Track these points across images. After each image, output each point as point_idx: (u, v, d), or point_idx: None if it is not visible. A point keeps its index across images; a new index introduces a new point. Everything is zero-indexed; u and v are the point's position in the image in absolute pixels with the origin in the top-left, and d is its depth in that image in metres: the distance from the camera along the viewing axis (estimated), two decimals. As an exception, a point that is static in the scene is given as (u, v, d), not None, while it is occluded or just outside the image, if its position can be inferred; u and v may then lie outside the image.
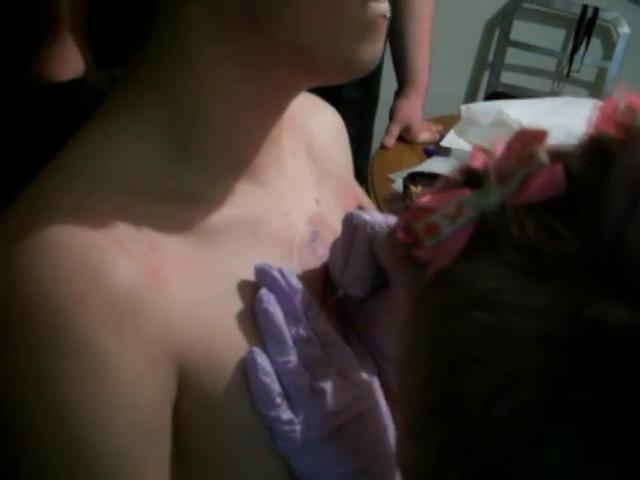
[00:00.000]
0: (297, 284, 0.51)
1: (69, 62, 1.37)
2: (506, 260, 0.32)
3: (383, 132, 1.69)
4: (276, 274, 0.51)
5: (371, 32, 0.49)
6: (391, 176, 1.48)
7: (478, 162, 0.36)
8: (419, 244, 0.36)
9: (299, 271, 0.55)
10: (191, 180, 0.50)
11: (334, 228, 0.59)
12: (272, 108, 0.53)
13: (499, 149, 0.36)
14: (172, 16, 0.48)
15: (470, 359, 0.33)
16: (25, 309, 0.43)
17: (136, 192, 0.48)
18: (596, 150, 0.34)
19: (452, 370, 0.34)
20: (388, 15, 0.50)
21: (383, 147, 1.65)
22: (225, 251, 0.51)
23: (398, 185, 1.41)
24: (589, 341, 0.30)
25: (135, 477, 0.45)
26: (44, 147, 0.51)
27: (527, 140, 0.35)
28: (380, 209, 1.40)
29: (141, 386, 0.45)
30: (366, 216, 0.54)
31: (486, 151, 0.37)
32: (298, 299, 0.51)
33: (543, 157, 0.34)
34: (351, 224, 0.54)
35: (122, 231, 0.46)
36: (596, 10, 2.63)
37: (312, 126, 0.66)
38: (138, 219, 0.47)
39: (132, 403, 0.45)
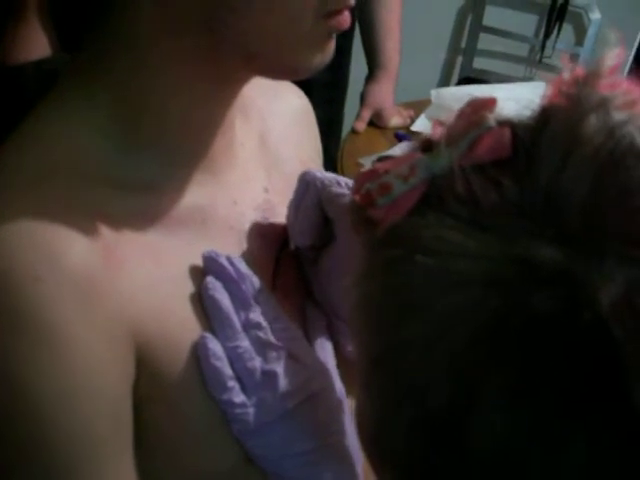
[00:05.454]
0: (245, 270, 0.52)
1: (36, 45, 1.36)
2: (450, 212, 0.35)
3: (354, 117, 1.70)
4: (223, 261, 0.52)
5: (321, 46, 0.50)
6: (361, 160, 1.49)
7: (436, 132, 0.39)
8: (373, 204, 0.38)
9: (249, 257, 0.56)
10: (142, 168, 0.51)
11: (283, 215, 0.60)
12: (223, 97, 0.54)
13: (451, 120, 0.38)
14: (125, 6, 0.47)
15: (415, 305, 0.35)
16: None
17: (87, 178, 0.48)
18: (539, 115, 0.36)
19: (399, 317, 0.36)
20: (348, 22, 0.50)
21: (354, 132, 1.66)
22: (177, 238, 0.52)
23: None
24: (521, 279, 0.32)
25: (103, 452, 0.46)
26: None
27: (477, 107, 0.38)
28: (350, 193, 1.40)
29: (103, 362, 0.45)
30: (317, 172, 0.57)
31: (442, 123, 0.39)
32: (247, 285, 0.52)
33: (491, 121, 0.36)
34: (303, 180, 0.57)
35: (76, 212, 0.46)
36: (567, -4, 2.65)
37: (271, 110, 0.66)
38: (90, 202, 0.47)
39: (95, 379, 0.45)
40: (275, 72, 0.52)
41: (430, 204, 0.36)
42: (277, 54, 0.49)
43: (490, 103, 0.38)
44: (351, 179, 0.57)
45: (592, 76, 0.36)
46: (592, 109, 0.35)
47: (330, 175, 0.57)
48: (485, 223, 0.34)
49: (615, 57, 0.37)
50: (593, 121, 0.34)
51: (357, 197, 0.40)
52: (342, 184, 0.56)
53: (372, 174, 0.39)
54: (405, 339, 0.36)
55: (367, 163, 1.46)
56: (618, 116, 0.34)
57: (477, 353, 0.33)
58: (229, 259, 0.52)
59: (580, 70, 0.37)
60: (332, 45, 0.51)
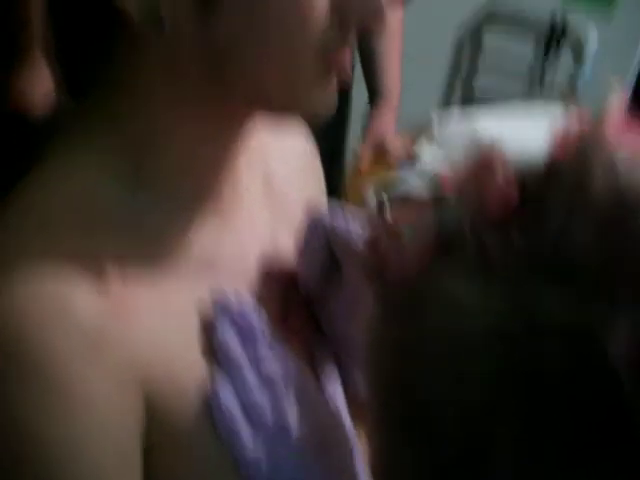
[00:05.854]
0: (254, 311, 0.52)
1: (41, 82, 1.38)
2: (460, 266, 0.36)
3: (357, 142, 1.70)
4: (232, 303, 0.52)
5: (323, 88, 0.50)
6: (365, 192, 1.49)
7: (448, 181, 0.40)
8: (384, 257, 0.40)
9: (257, 299, 0.56)
10: (148, 211, 0.51)
11: (290, 255, 0.61)
12: (226, 140, 0.54)
13: (463, 167, 0.40)
14: (129, 52, 0.48)
15: (425, 356, 0.37)
16: None
17: (93, 221, 0.49)
18: (547, 168, 0.37)
19: (410, 367, 0.38)
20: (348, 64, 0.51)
21: (357, 160, 1.66)
22: (185, 282, 0.52)
23: (371, 200, 1.42)
24: (528, 332, 0.33)
25: None
26: (6, 180, 0.51)
27: (485, 159, 0.39)
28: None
29: (111, 409, 0.46)
30: (324, 213, 0.58)
31: (454, 171, 0.40)
32: (256, 327, 0.52)
33: (499, 175, 0.37)
34: (311, 219, 0.58)
35: (83, 258, 0.47)
36: (564, 16, 2.67)
37: (273, 152, 0.66)
38: (98, 247, 0.48)
39: (104, 425, 0.45)
40: (278, 115, 0.53)
41: (441, 258, 0.37)
42: (279, 97, 0.50)
43: (498, 154, 0.39)
44: (356, 211, 0.59)
45: (597, 127, 0.37)
46: (598, 162, 0.36)
47: (338, 214, 0.58)
48: (493, 277, 0.35)
49: (618, 105, 0.38)
50: (599, 174, 0.35)
51: (368, 248, 0.41)
52: (350, 223, 0.57)
53: (384, 227, 0.41)
54: (417, 392, 0.37)
55: (370, 194, 1.46)
56: (624, 168, 0.35)
57: (484, 406, 0.34)
58: (238, 301, 0.52)
59: (584, 118, 0.38)
60: (334, 87, 0.51)
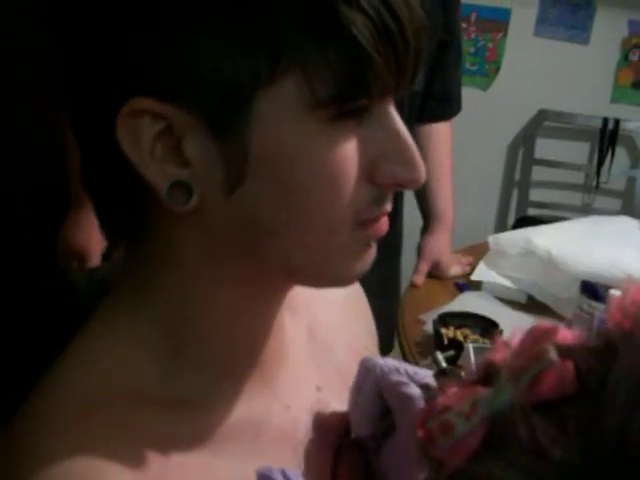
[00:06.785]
0: None
1: (94, 230, 1.43)
2: (514, 462, 0.33)
3: (412, 270, 1.69)
4: (278, 478, 0.50)
5: (360, 255, 0.50)
6: (422, 317, 1.46)
7: (499, 356, 0.37)
8: (434, 442, 0.37)
9: (305, 466, 0.54)
10: (191, 386, 0.50)
11: (337, 407, 0.59)
12: (268, 308, 0.54)
13: (515, 342, 0.37)
14: (160, 217, 0.48)
15: None
16: None
17: (135, 401, 0.48)
18: (603, 345, 0.34)
19: None
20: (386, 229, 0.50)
21: (412, 285, 1.65)
22: (230, 455, 0.50)
23: (429, 327, 1.39)
24: None
25: None
26: (53, 344, 0.52)
27: (538, 337, 0.36)
28: (411, 352, 1.38)
29: None
30: (377, 359, 0.56)
31: (506, 344, 0.38)
32: None
33: (553, 355, 0.35)
34: (363, 367, 0.56)
35: (123, 444, 0.45)
36: (617, 121, 2.67)
37: (317, 297, 0.65)
38: (139, 429, 0.47)
39: None
40: (317, 283, 0.52)
41: (493, 448, 0.35)
42: (317, 267, 0.49)
43: (551, 332, 0.36)
44: (413, 356, 0.56)
45: None
46: None
47: (390, 362, 0.56)
48: (546, 471, 0.32)
49: None
50: None
51: (420, 432, 0.39)
52: (402, 372, 0.55)
53: (434, 410, 0.38)
54: None
55: (427, 320, 1.43)
56: None
57: None
58: (284, 473, 0.49)
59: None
60: (372, 253, 0.50)
